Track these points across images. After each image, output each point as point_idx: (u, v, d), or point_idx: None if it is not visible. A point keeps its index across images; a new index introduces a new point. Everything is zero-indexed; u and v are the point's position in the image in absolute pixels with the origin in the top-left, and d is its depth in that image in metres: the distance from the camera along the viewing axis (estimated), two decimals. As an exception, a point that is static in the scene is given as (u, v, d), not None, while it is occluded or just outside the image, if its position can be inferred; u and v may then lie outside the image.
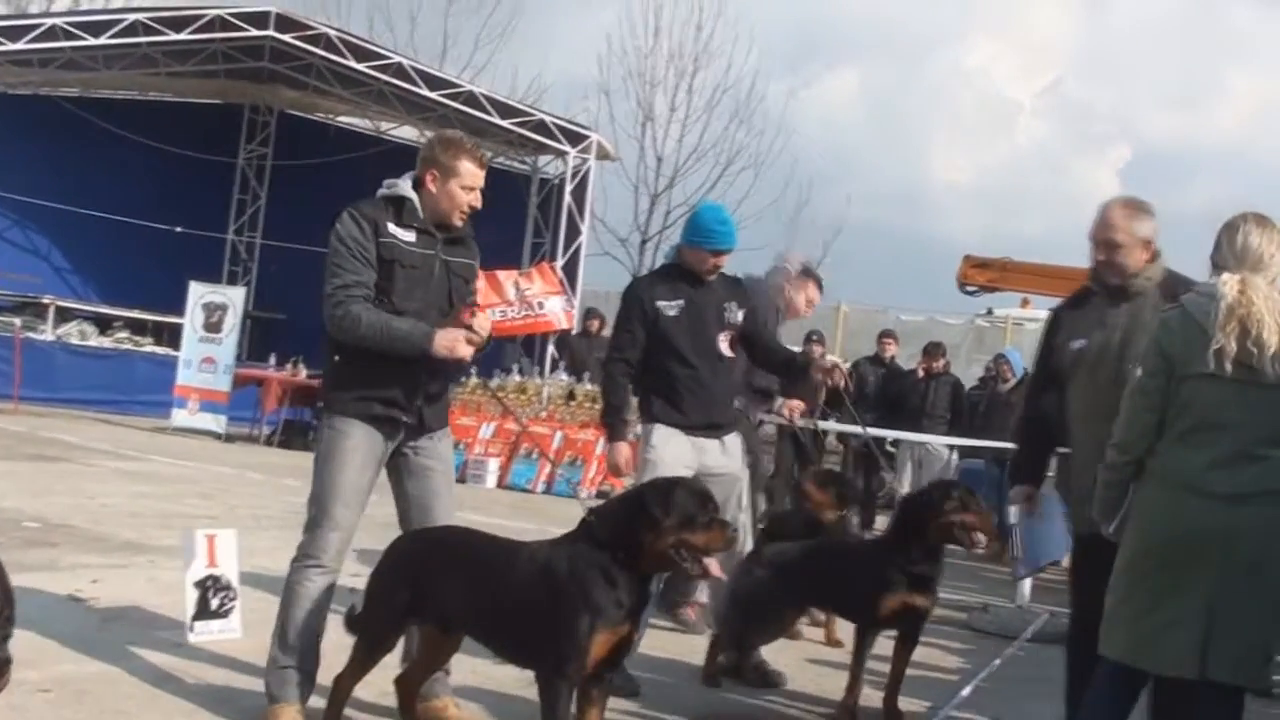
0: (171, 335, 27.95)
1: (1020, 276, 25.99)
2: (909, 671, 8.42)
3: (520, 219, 31.70)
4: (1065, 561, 8.25)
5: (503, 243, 28.83)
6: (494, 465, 21.73)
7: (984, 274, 26.22)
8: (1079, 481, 7.04)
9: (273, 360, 26.28)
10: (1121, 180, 64.65)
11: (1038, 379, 7.77)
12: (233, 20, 27.30)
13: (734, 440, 8.74)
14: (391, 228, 6.71)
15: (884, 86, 72.45)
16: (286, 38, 27.80)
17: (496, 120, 29.26)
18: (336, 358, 6.78)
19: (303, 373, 24.77)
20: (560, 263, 29.42)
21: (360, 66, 28.33)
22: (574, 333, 26.17)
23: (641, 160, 43.42)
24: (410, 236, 6.75)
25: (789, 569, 8.56)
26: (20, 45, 26.22)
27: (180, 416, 25.10)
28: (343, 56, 28.17)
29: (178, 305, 26.25)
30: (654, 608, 8.39)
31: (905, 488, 17.75)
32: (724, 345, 8.58)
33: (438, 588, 6.25)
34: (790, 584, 8.52)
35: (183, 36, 27.15)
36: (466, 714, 7.10)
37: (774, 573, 8.52)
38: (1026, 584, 12.43)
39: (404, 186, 6.84)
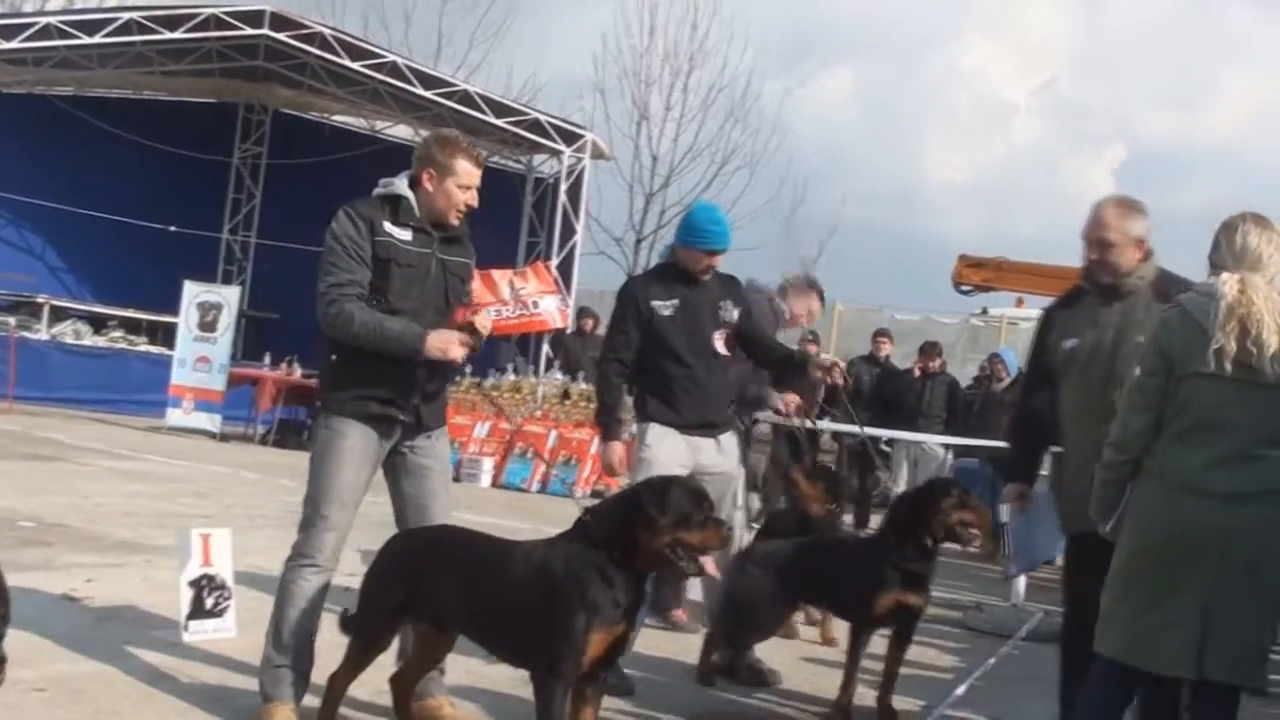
0: (166, 334, 27.92)
1: (1015, 276, 26.02)
2: (904, 670, 8.42)
3: (515, 218, 31.72)
4: (1059, 560, 8.25)
5: (498, 242, 28.84)
6: (489, 464, 21.75)
7: (979, 273, 26.25)
8: (1072, 480, 7.06)
9: (267, 359, 26.24)
10: (1117, 180, 64.77)
11: (1030, 378, 7.78)
12: (227, 19, 27.31)
13: (729, 439, 8.75)
14: (388, 226, 6.70)
15: (879, 86, 72.59)
16: (281, 36, 27.81)
17: (491, 119, 29.28)
18: (333, 357, 6.78)
19: (297, 372, 24.78)
20: (555, 262, 29.45)
21: (355, 65, 28.35)
22: (568, 332, 26.14)
23: (636, 159, 43.51)
24: (406, 235, 6.75)
25: (782, 567, 8.57)
26: (15, 44, 26.24)
27: (175, 416, 25.11)
28: (338, 55, 28.18)
29: (172, 304, 26.22)
30: (645, 610, 8.39)
31: (901, 487, 17.77)
32: (719, 344, 8.59)
33: (432, 587, 6.24)
34: (784, 582, 8.52)
35: (177, 35, 27.18)
36: (461, 713, 7.10)
37: (767, 571, 8.52)
38: (1021, 583, 12.43)
39: (400, 185, 6.84)
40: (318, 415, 7.09)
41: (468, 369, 15.92)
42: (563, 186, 30.45)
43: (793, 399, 11.69)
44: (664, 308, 8.47)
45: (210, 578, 8.45)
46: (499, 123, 29.49)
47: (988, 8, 77.69)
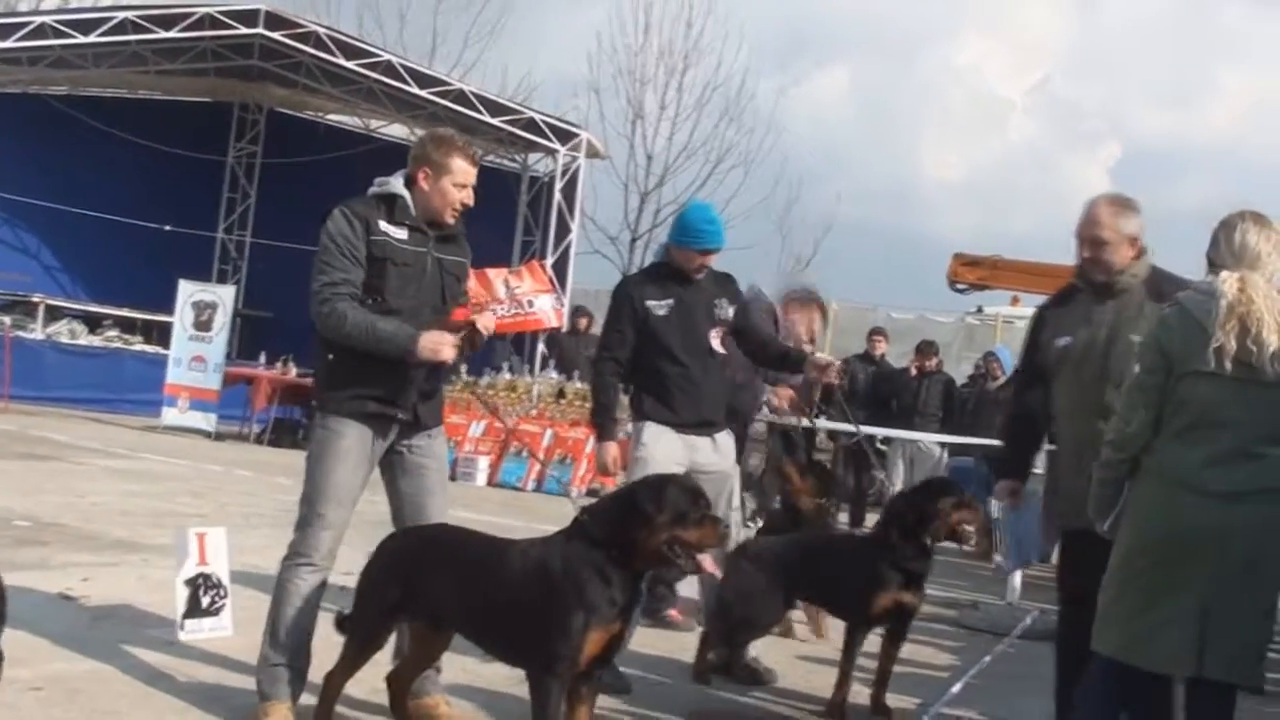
0: (161, 334, 27.94)
1: (1010, 274, 25.97)
2: (900, 668, 8.45)
3: (510, 217, 31.74)
4: (1055, 558, 8.27)
5: (493, 241, 28.77)
6: (484, 463, 21.78)
7: (974, 272, 26.20)
8: (1066, 478, 7.07)
9: (262, 358, 26.23)
10: (1112, 178, 64.86)
11: (1023, 376, 7.80)
12: (222, 18, 27.31)
13: (725, 438, 8.74)
14: (383, 225, 6.70)
15: (874, 84, 72.57)
16: (276, 35, 27.83)
17: (486, 118, 29.29)
18: (329, 356, 6.76)
19: (292, 371, 24.76)
20: (550, 261, 29.48)
21: (350, 64, 28.37)
22: (563, 331, 26.14)
23: (631, 158, 43.50)
24: (402, 234, 6.75)
25: (778, 564, 8.57)
26: (9, 43, 26.22)
27: (170, 415, 25.13)
28: (332, 54, 28.20)
29: (167, 304, 26.25)
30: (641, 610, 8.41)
31: (897, 485, 17.80)
32: (715, 342, 8.58)
33: (428, 585, 6.25)
34: (780, 580, 8.52)
35: (172, 34, 27.17)
36: (457, 712, 7.11)
37: (762, 568, 8.53)
38: (1016, 581, 12.45)
39: (396, 184, 6.83)
40: (314, 415, 7.08)
41: (463, 368, 15.90)
42: (558, 185, 30.49)
43: (786, 393, 11.69)
44: (659, 307, 8.46)
45: (206, 576, 8.45)
46: (494, 122, 29.51)
47: (983, 5, 77.80)
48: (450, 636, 6.61)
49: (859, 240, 61.03)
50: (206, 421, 24.91)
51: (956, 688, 9.12)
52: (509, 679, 7.56)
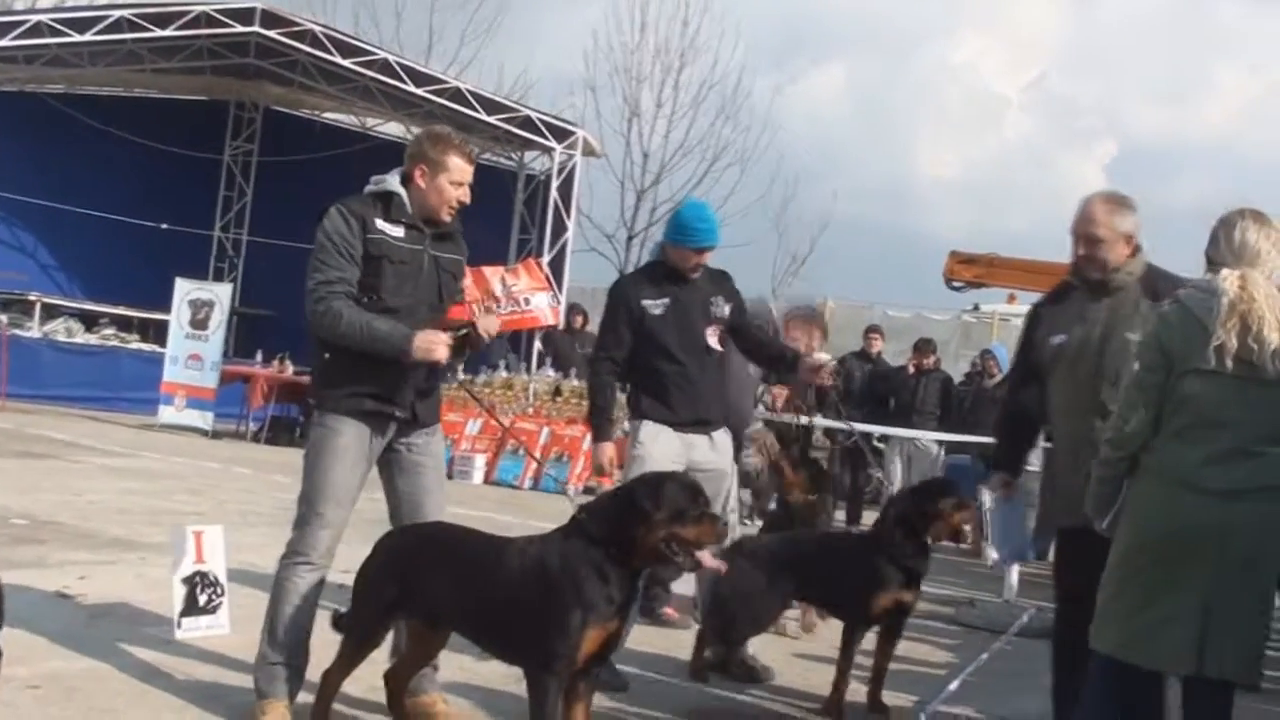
0: (158, 332, 27.95)
1: (1006, 272, 25.98)
2: (897, 666, 8.46)
3: (506, 215, 31.75)
4: (1051, 556, 8.27)
5: (489, 239, 28.81)
6: (481, 461, 21.78)
7: (970, 269, 26.22)
8: (1062, 475, 7.07)
9: (259, 356, 26.26)
10: (1108, 175, 64.96)
11: (1018, 374, 7.80)
12: (218, 16, 27.35)
13: (722, 436, 8.74)
14: (380, 223, 6.69)
15: (870, 82, 72.62)
16: (272, 34, 27.87)
17: (483, 116, 29.31)
18: (326, 355, 6.75)
19: (289, 369, 24.76)
20: (547, 259, 29.47)
21: (346, 62, 28.39)
22: (559, 329, 26.14)
23: (628, 156, 43.53)
24: (399, 232, 6.74)
25: (774, 562, 8.57)
26: (5, 42, 26.23)
27: (167, 413, 25.14)
28: (328, 52, 28.22)
29: (164, 302, 26.25)
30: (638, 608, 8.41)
31: (895, 483, 17.81)
32: (712, 340, 8.57)
33: (426, 583, 6.24)
34: (776, 578, 8.51)
35: (168, 33, 27.18)
36: (455, 710, 7.10)
37: (758, 566, 8.52)
38: (1013, 579, 12.47)
39: (392, 182, 6.83)
40: (311, 413, 7.08)
41: (459, 367, 15.93)
42: (554, 183, 30.51)
43: (780, 392, 11.71)
44: (655, 306, 8.46)
45: (203, 575, 8.45)
46: (490, 120, 29.53)
47: (979, 3, 77.84)
48: (447, 634, 6.60)
49: (855, 238, 61.09)
50: (203, 420, 24.91)
51: (954, 685, 9.12)
52: (506, 677, 7.57)
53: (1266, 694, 7.27)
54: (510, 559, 5.95)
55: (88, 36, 26.75)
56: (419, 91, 28.87)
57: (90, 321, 29.09)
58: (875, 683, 8.27)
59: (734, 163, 43.32)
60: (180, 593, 8.34)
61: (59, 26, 26.64)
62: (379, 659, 6.74)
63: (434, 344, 6.54)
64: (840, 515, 19.41)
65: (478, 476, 21.52)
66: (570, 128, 31.01)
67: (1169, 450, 5.85)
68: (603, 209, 43.18)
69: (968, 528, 8.19)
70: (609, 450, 8.67)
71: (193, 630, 8.32)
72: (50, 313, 28.37)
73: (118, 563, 10.67)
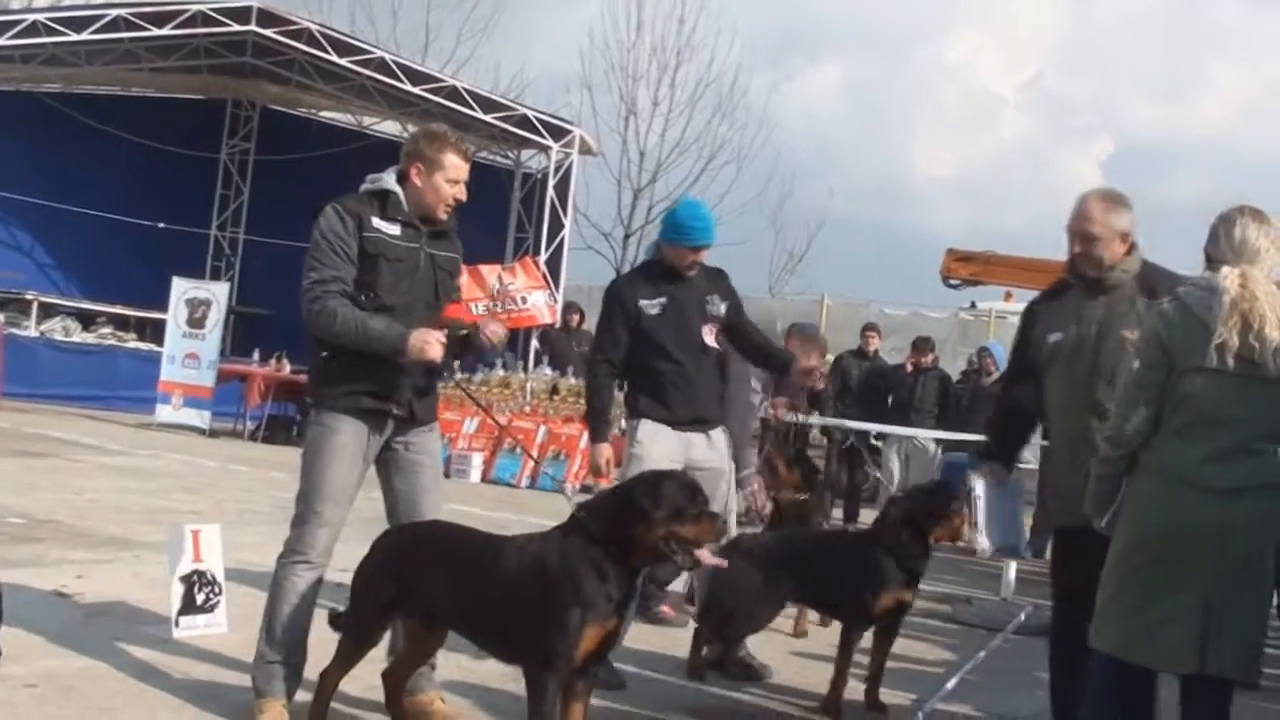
0: (155, 331, 27.96)
1: (1003, 270, 26.01)
2: (895, 664, 8.47)
3: (503, 213, 31.80)
4: (1049, 554, 8.27)
5: (486, 237, 28.88)
6: (478, 460, 21.78)
7: (967, 267, 26.24)
8: (1059, 474, 7.07)
9: (256, 355, 26.23)
10: (1104, 173, 65.02)
11: (1014, 371, 7.80)
12: (214, 15, 27.34)
13: (720, 434, 8.75)
14: (376, 222, 6.69)
15: (867, 80, 72.71)
16: (268, 32, 27.86)
17: (479, 115, 29.31)
18: (324, 353, 6.75)
19: (286, 368, 24.78)
20: (543, 257, 29.43)
21: (342, 61, 28.39)
22: (556, 327, 26.14)
23: (624, 154, 43.62)
24: (395, 230, 6.74)
25: (772, 561, 8.57)
26: (2, 41, 26.22)
27: (164, 412, 25.16)
28: (325, 51, 28.22)
29: (161, 301, 26.28)
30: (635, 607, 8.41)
31: (894, 482, 17.80)
32: (708, 338, 8.57)
33: (423, 582, 6.24)
34: (774, 576, 8.51)
35: (165, 32, 27.17)
36: (452, 709, 7.10)
37: (756, 564, 8.51)
38: (1011, 577, 12.47)
39: (388, 180, 6.83)
40: (309, 411, 7.08)
41: (456, 365, 15.97)
42: (550, 182, 30.50)
43: (782, 402, 11.71)
44: (651, 306, 8.46)
45: (201, 573, 8.45)
46: (487, 118, 29.53)
47: (975, 1, 77.82)
48: (445, 633, 6.60)
49: (852, 236, 61.25)
50: (200, 418, 24.92)
51: (951, 683, 9.12)
52: (504, 675, 7.57)
53: (1265, 692, 7.28)
54: (509, 557, 5.95)
55: (84, 36, 26.74)
56: (415, 90, 28.87)
57: (87, 320, 29.13)
58: (873, 681, 8.28)
59: (730, 161, 43.47)
60: (178, 591, 8.34)
61: (55, 26, 26.63)
62: (377, 657, 6.74)
63: (428, 342, 6.53)
64: (837, 513, 19.50)
65: (475, 475, 21.52)
66: (567, 126, 31.01)
67: (1169, 449, 5.84)
68: (599, 207, 43.30)
69: (969, 529, 8.18)
70: (606, 452, 8.69)
71: (190, 629, 8.31)
72: (47, 312, 28.41)
73: (115, 561, 10.68)
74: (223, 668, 7.64)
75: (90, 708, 6.72)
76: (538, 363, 26.08)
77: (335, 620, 6.61)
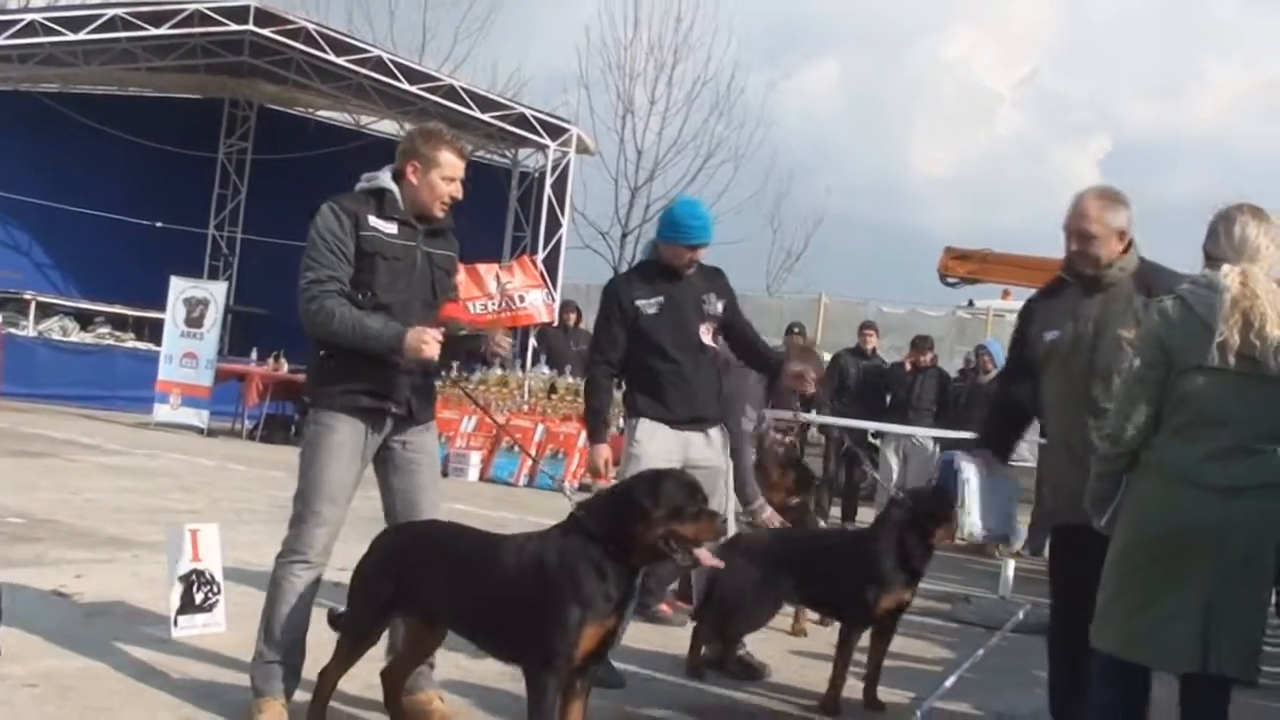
0: (153, 330, 27.94)
1: (1000, 268, 26.00)
2: (893, 663, 8.47)
3: (501, 212, 31.81)
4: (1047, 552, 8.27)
5: (483, 236, 28.89)
6: (476, 458, 21.78)
7: (964, 265, 26.24)
8: (1056, 473, 7.07)
9: (254, 355, 26.19)
10: (1102, 170, 65.09)
11: (1011, 369, 7.80)
12: (212, 14, 27.35)
13: (717, 433, 8.76)
14: (373, 220, 6.69)
15: (864, 78, 72.72)
16: (266, 32, 27.87)
17: (476, 114, 29.30)
18: (321, 352, 6.75)
19: (284, 367, 24.76)
20: (541, 256, 29.45)
21: (339, 60, 28.38)
22: (553, 326, 26.13)
23: (621, 153, 43.65)
24: (392, 229, 6.74)
25: (772, 559, 8.57)
26: (-1, 41, 26.21)
27: (162, 411, 25.15)
28: (322, 50, 28.21)
29: (159, 300, 26.27)
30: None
31: (892, 480, 17.81)
32: (705, 336, 8.58)
33: (422, 581, 6.24)
34: (773, 575, 8.51)
35: (162, 31, 27.19)
36: (451, 707, 7.10)
37: (755, 563, 8.50)
38: (1009, 575, 12.48)
39: (384, 178, 6.82)
40: (307, 410, 7.07)
41: (453, 365, 15.94)
42: (548, 180, 30.49)
43: (776, 440, 11.73)
44: (649, 306, 8.47)
45: (200, 573, 8.44)
46: (484, 117, 29.53)
47: (972, -1, 77.80)
48: (444, 632, 6.60)
49: (849, 234, 61.19)
50: (198, 418, 24.91)
51: (949, 682, 9.12)
52: (502, 675, 7.57)
53: (1264, 690, 7.29)
54: (508, 556, 5.95)
55: (82, 35, 26.75)
56: (413, 89, 28.87)
57: (85, 320, 29.13)
58: (870, 680, 8.29)
59: (728, 159, 43.53)
60: (176, 591, 8.33)
61: (53, 25, 26.63)
62: (376, 656, 6.74)
63: (425, 340, 6.52)
64: (835, 512, 19.53)
65: (473, 474, 21.52)
66: (564, 125, 31.02)
67: (1169, 447, 5.84)
68: (597, 206, 43.32)
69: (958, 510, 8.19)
70: (605, 453, 8.70)
71: (189, 628, 8.31)
72: (45, 311, 28.42)
73: (114, 561, 10.68)
74: (221, 667, 7.64)
75: (89, 707, 6.72)
76: (535, 361, 26.08)
77: (335, 620, 6.62)
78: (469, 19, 46.57)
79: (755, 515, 10.24)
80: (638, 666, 8.65)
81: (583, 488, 10.08)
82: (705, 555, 5.91)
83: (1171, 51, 77.45)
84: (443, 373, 7.47)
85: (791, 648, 9.95)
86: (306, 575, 6.73)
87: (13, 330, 26.65)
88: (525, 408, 22.68)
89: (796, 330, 20.56)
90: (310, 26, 28.52)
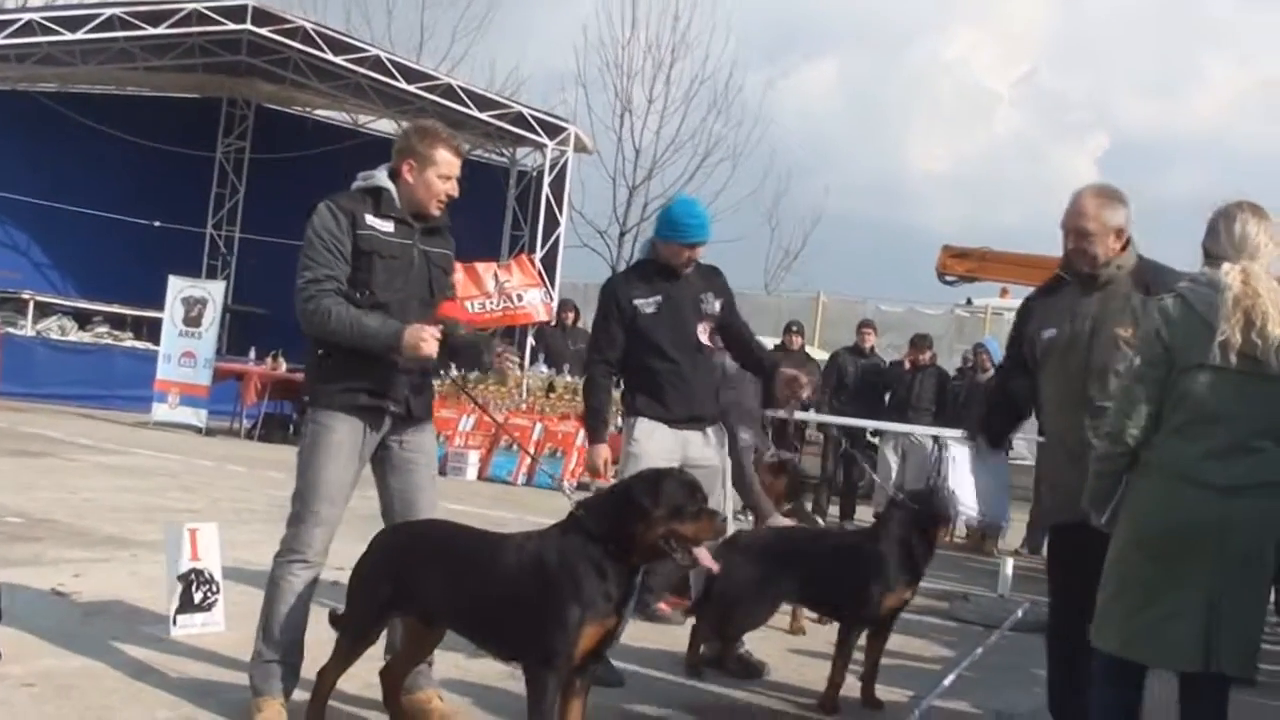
0: (151, 330, 27.97)
1: (999, 266, 25.99)
2: (892, 661, 8.47)
3: (499, 211, 31.86)
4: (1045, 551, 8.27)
5: (481, 235, 28.92)
6: (474, 457, 21.80)
7: (963, 264, 26.23)
8: (1054, 472, 7.07)
9: (252, 354, 26.23)
10: (1100, 168, 65.03)
11: (1009, 365, 7.80)
12: (209, 14, 27.38)
13: (716, 431, 8.75)
14: (370, 219, 6.67)
15: (862, 77, 72.74)
16: (263, 31, 27.89)
17: (474, 113, 29.31)
18: (319, 351, 6.74)
19: (282, 366, 24.77)
20: (539, 255, 29.49)
21: (337, 59, 28.40)
22: (551, 325, 26.14)
23: (619, 152, 43.65)
24: (389, 227, 6.73)
25: (771, 558, 8.56)
26: (-4, 40, 26.22)
27: (161, 411, 25.17)
28: (320, 50, 28.23)
29: (157, 300, 26.28)
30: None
31: (891, 479, 17.82)
32: (703, 335, 8.59)
33: (420, 581, 6.24)
34: (773, 573, 8.50)
35: (160, 31, 27.21)
36: (450, 706, 7.09)
37: (753, 561, 8.50)
38: (1008, 573, 12.47)
39: (380, 177, 6.81)
40: (305, 409, 7.07)
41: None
42: (546, 179, 30.52)
43: (767, 467, 11.76)
44: (646, 305, 8.47)
45: (198, 572, 8.44)
46: (482, 116, 29.54)
47: (970, -3, 77.80)
48: (443, 632, 6.59)
49: (848, 233, 61.19)
50: (197, 417, 24.92)
51: (948, 680, 9.11)
52: (501, 674, 7.58)
53: (1262, 688, 7.28)
54: (507, 556, 5.94)
55: (79, 35, 26.78)
56: (410, 88, 28.89)
57: (84, 319, 29.16)
58: (868, 678, 8.28)
59: (726, 158, 43.55)
60: (175, 590, 8.34)
61: (50, 25, 26.66)
62: (374, 655, 6.74)
63: (424, 338, 6.51)
64: (833, 510, 19.54)
65: (471, 473, 21.53)
66: (562, 124, 31.05)
67: (1169, 446, 5.83)
68: (595, 205, 43.33)
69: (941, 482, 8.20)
70: (604, 453, 8.71)
71: (188, 627, 8.31)
72: (44, 311, 28.46)
73: (112, 560, 10.67)
74: (220, 666, 7.64)
75: (88, 707, 6.72)
76: (533, 360, 26.09)
77: (336, 620, 6.61)
78: (467, 18, 46.65)
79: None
80: (637, 665, 8.65)
81: (581, 486, 10.10)
82: (704, 556, 5.91)
83: (1169, 50, 77.52)
84: (441, 371, 7.46)
85: (790, 646, 9.96)
86: (305, 574, 6.72)
87: (11, 330, 26.68)
88: (523, 406, 22.69)
89: (795, 329, 20.56)
90: (308, 26, 28.55)
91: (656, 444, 8.39)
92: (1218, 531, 5.66)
